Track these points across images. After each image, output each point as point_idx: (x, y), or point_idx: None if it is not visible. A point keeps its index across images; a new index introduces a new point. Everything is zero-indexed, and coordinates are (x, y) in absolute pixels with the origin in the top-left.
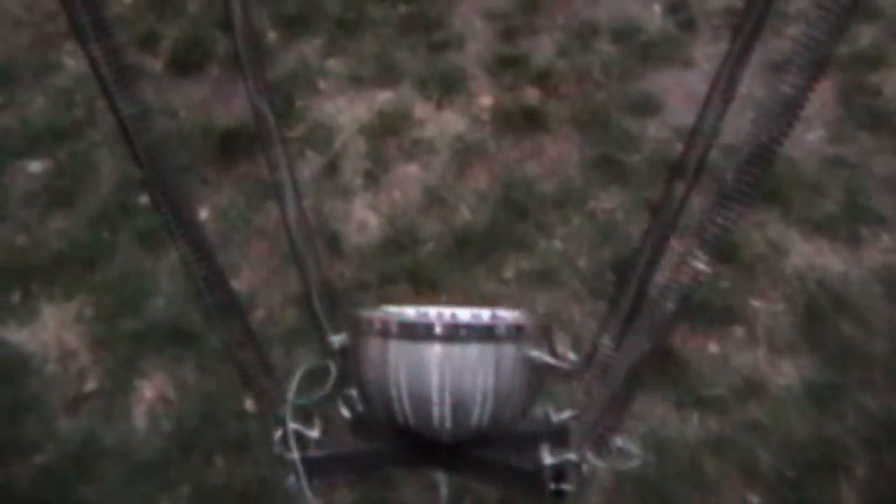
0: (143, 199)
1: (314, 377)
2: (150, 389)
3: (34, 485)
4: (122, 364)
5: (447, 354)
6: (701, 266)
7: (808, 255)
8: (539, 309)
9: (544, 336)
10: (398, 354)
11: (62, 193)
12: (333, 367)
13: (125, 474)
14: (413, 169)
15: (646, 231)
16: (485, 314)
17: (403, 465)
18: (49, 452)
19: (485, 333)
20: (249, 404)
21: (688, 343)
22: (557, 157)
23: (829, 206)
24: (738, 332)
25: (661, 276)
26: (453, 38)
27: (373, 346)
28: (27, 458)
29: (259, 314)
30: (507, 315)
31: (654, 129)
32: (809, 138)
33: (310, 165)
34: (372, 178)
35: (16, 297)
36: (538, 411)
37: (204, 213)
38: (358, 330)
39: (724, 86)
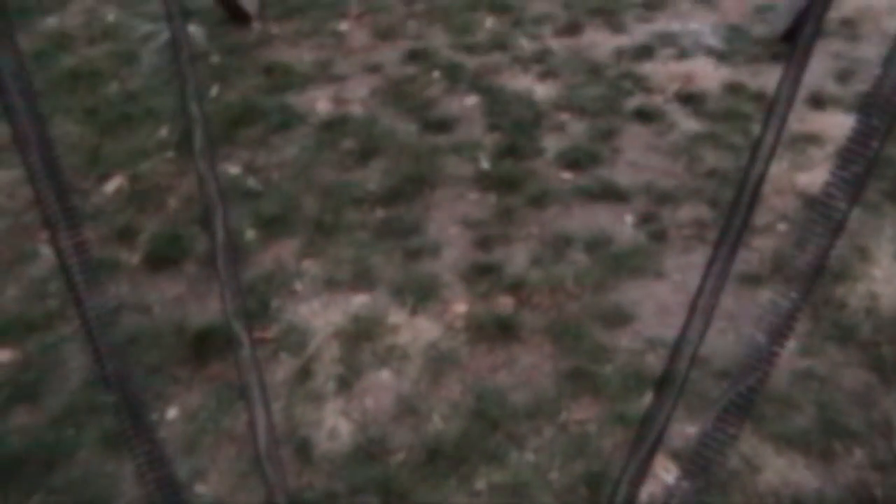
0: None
1: None
2: None
3: None
4: None
5: None
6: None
7: (782, 470)
8: None
9: None
10: None
11: (27, 387)
12: None
13: None
14: (386, 376)
15: (630, 452)
16: None
17: None
18: None
19: None
20: None
21: None
22: (530, 367)
23: (801, 421)
24: None
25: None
26: (429, 244)
27: None
28: None
29: None
30: None
31: (626, 341)
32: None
33: (283, 368)
34: (345, 384)
35: None
36: None
37: (173, 413)
38: None
39: (704, 301)
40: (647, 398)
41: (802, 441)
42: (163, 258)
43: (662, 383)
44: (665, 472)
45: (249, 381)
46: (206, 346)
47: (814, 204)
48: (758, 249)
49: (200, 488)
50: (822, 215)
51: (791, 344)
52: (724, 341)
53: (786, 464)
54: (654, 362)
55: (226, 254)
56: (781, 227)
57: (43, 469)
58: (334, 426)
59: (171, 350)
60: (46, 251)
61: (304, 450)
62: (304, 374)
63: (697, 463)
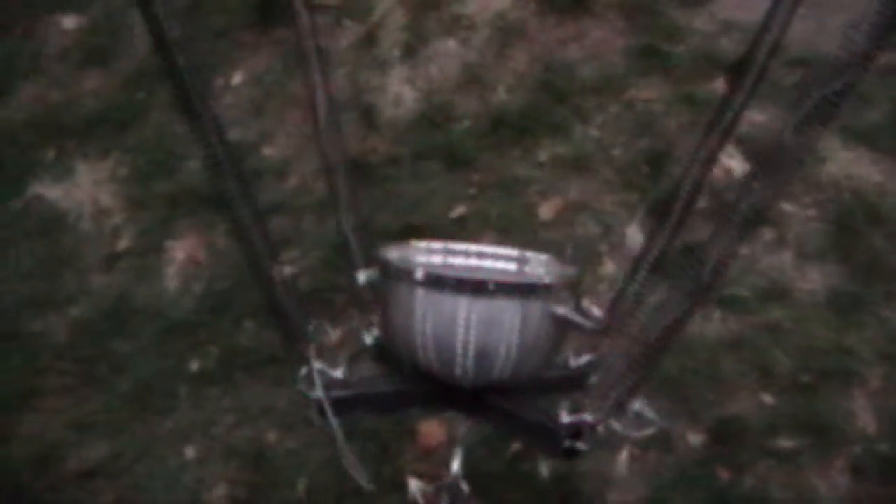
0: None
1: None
2: (181, 251)
3: (70, 336)
4: (155, 224)
5: (474, 307)
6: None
7: (847, 163)
8: (572, 194)
9: (571, 291)
10: (425, 303)
11: (97, 51)
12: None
13: (157, 332)
14: (452, 44)
15: (700, 140)
16: (512, 255)
17: (425, 407)
18: (84, 306)
19: (513, 289)
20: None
21: None
22: (600, 42)
23: (873, 116)
24: (768, 234)
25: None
26: None
27: (400, 291)
28: (63, 310)
29: (292, 182)
30: (535, 258)
31: (701, 22)
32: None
33: (347, 35)
34: (410, 52)
35: (50, 153)
36: (558, 358)
37: (238, 78)
38: (387, 273)
39: None
40: (718, 82)
41: (872, 136)
42: None
43: (739, 68)
44: (728, 158)
45: (309, 48)
46: (272, 9)
47: None
48: None
49: (267, 150)
50: None
51: None
52: (803, 28)
53: (852, 157)
54: (728, 46)
55: None
56: None
57: (118, 129)
58: (399, 93)
59: (236, 14)
60: None
61: (368, 115)
62: (369, 40)
63: (772, 161)
